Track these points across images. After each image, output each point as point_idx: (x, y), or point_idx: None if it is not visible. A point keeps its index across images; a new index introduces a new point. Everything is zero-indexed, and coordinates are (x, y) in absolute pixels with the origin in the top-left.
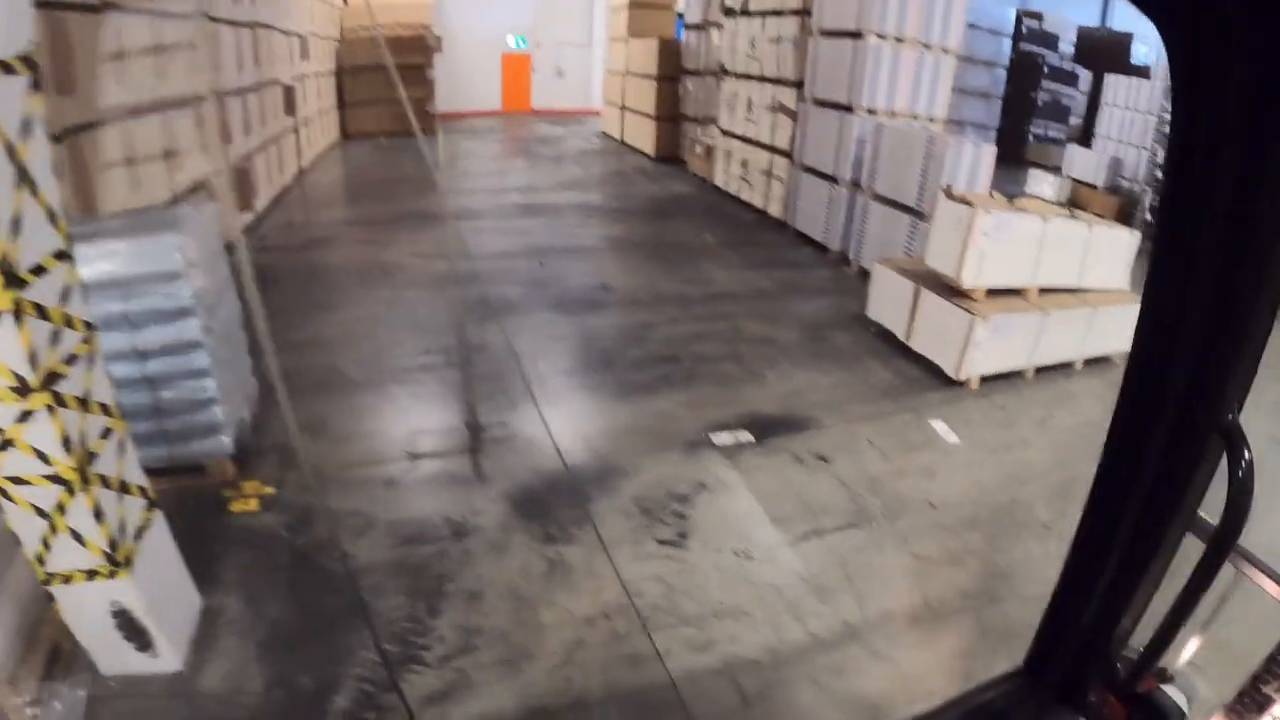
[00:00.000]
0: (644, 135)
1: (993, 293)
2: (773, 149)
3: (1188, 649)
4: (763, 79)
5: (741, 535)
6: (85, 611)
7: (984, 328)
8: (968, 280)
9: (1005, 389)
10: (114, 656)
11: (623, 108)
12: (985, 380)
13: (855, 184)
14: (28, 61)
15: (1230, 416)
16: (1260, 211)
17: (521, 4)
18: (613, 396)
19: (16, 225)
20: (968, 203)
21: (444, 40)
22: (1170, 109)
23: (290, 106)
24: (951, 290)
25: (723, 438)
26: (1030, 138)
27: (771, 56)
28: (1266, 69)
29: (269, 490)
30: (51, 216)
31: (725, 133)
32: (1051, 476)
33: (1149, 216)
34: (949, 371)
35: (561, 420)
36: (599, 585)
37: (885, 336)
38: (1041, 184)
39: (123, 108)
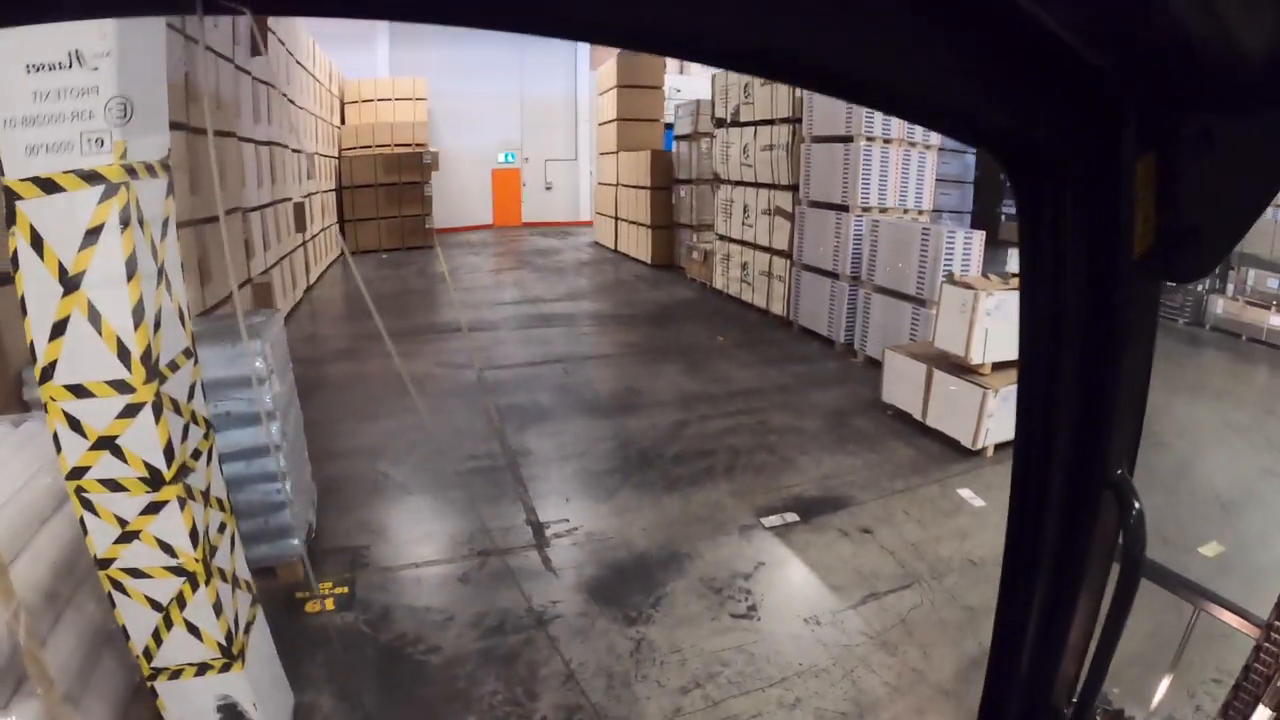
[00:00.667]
0: (639, 244)
1: (998, 366)
2: (771, 250)
3: (1158, 692)
4: (757, 184)
5: (806, 604)
6: (189, 708)
7: (995, 399)
8: (975, 357)
9: None
10: None
11: (616, 218)
12: (1000, 447)
13: (855, 278)
14: (165, 166)
15: (1120, 471)
16: (1109, 296)
17: (510, 121)
18: (660, 490)
19: (157, 322)
20: (970, 286)
21: (441, 158)
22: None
23: (301, 223)
24: (961, 368)
25: (771, 520)
26: (1002, 217)
27: (765, 163)
28: (1088, 191)
29: (342, 590)
30: (181, 315)
31: (723, 238)
32: None
33: None
34: (966, 443)
35: (617, 515)
36: (684, 658)
37: (902, 418)
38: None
39: None
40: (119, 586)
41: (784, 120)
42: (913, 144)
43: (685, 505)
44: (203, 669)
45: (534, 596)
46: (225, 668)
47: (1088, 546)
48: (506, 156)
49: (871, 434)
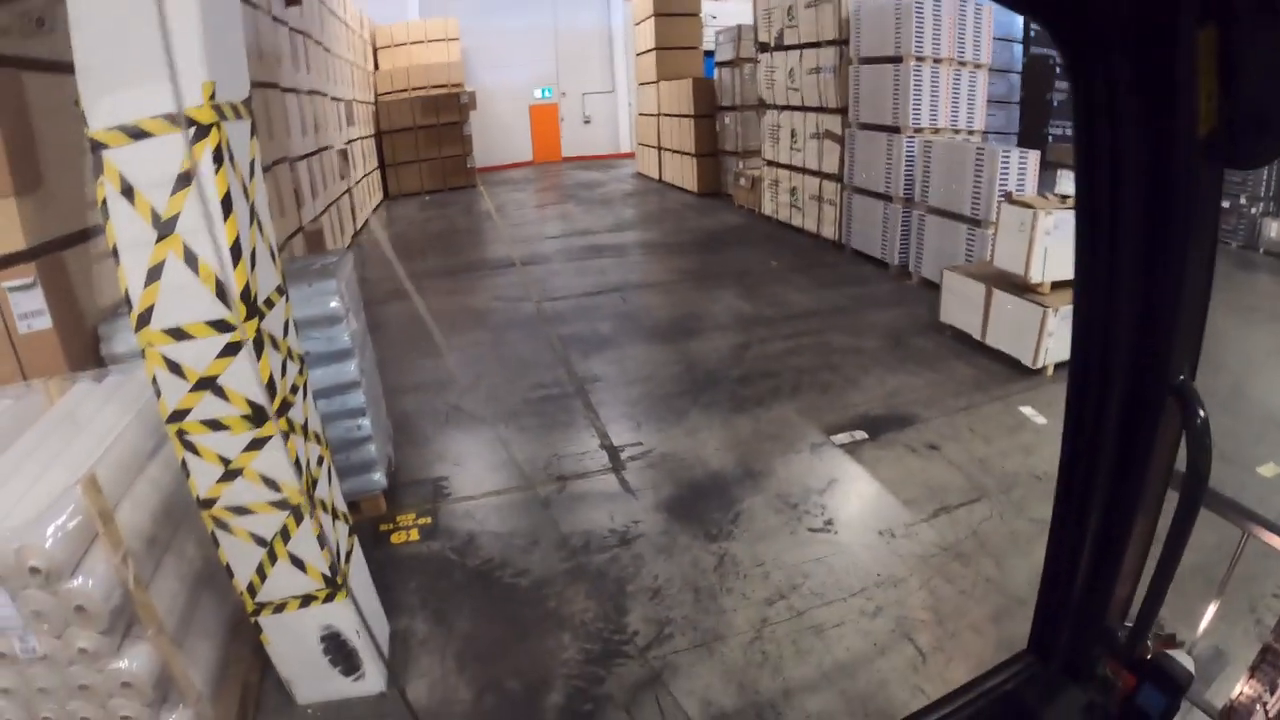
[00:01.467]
0: (685, 173)
1: (1057, 285)
2: (821, 174)
3: (1206, 616)
4: (805, 109)
5: (880, 517)
6: (293, 640)
7: (1055, 317)
8: (1035, 276)
9: None
10: (317, 684)
11: (659, 148)
12: (1059, 366)
13: (908, 200)
14: (250, 107)
15: (1181, 378)
16: (1171, 184)
17: (545, 56)
18: (729, 411)
19: (253, 259)
20: (1029, 205)
21: (482, 97)
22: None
23: (344, 170)
24: (1020, 287)
25: (840, 437)
26: (1049, 138)
27: (813, 86)
28: (1148, 68)
29: (425, 521)
30: (273, 253)
31: (771, 163)
32: None
33: None
34: (1027, 362)
35: (688, 436)
36: (767, 571)
37: (961, 338)
38: (1068, 181)
39: None
40: (223, 525)
41: (830, 43)
42: (963, 63)
43: (755, 425)
44: (307, 600)
45: (615, 517)
46: (329, 598)
47: (1148, 458)
48: (543, 92)
49: (932, 353)
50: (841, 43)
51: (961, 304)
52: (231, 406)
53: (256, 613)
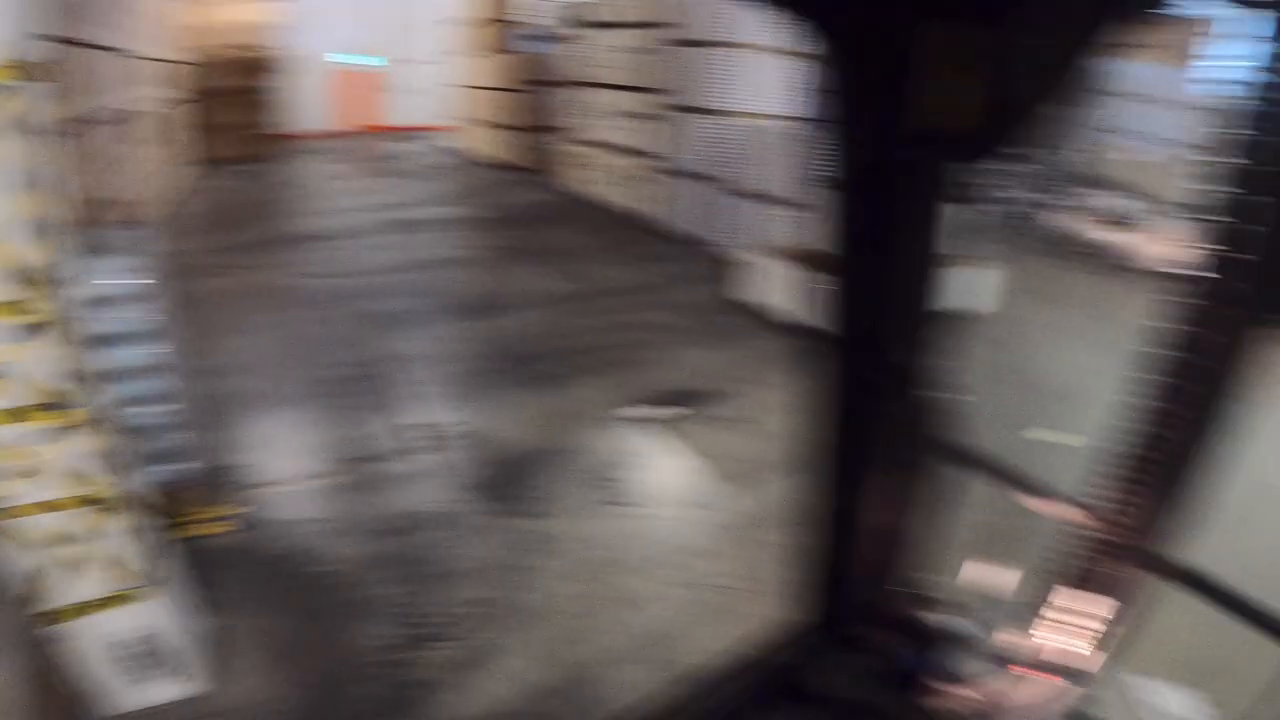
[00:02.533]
0: (501, 147)
1: None
2: (638, 152)
3: (964, 571)
4: (621, 87)
5: (698, 490)
6: (102, 644)
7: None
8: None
9: None
10: (132, 690)
11: (478, 122)
12: None
13: (719, 180)
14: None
15: (911, 355)
16: (885, 164)
17: (369, 22)
18: (537, 388)
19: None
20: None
21: (290, 61)
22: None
23: (140, 134)
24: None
25: (658, 411)
26: None
27: (631, 64)
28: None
29: (239, 509)
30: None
31: (586, 141)
32: None
33: None
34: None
35: (495, 414)
36: (582, 547)
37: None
38: None
39: None
40: (20, 525)
41: (645, 25)
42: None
43: (564, 402)
44: (122, 600)
45: (426, 499)
46: (144, 597)
47: (879, 432)
48: (365, 59)
49: (742, 330)
50: (656, 25)
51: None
52: (25, 395)
53: (56, 620)
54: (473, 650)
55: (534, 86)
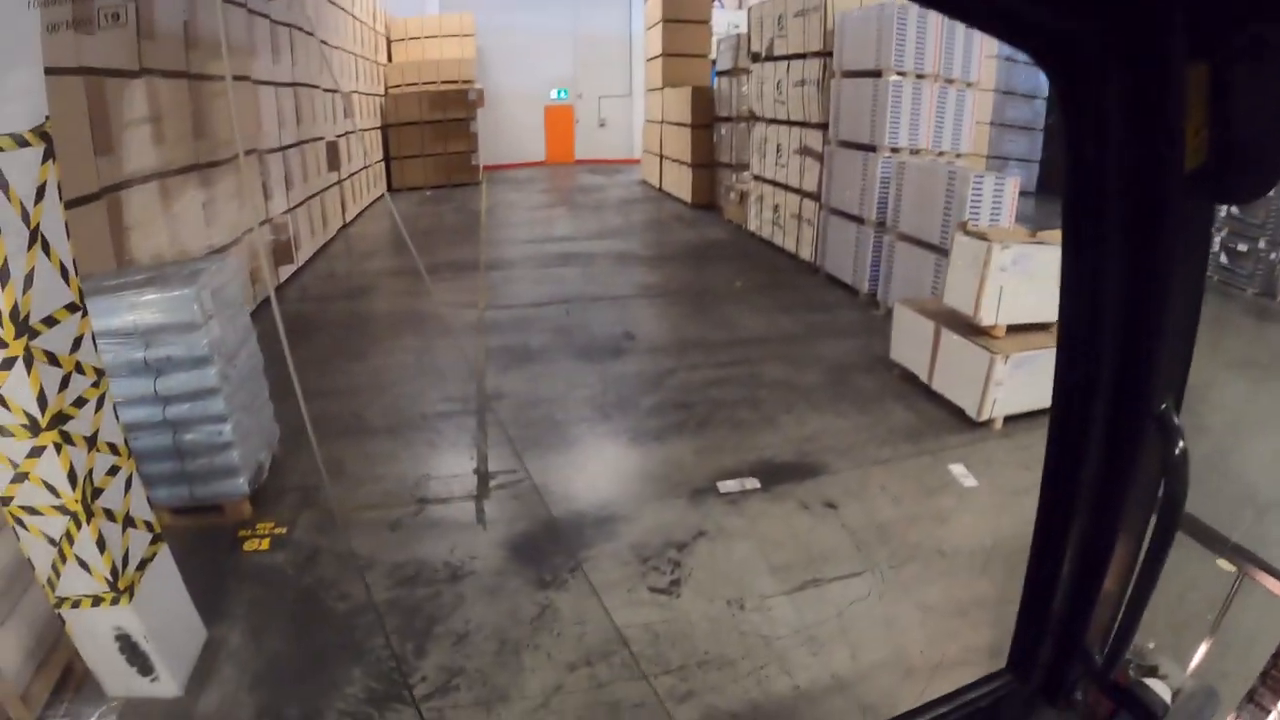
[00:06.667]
0: (681, 183)
1: (1014, 329)
2: (801, 191)
3: (1197, 653)
4: (790, 122)
5: (736, 584)
6: (92, 635)
7: (1004, 365)
8: (986, 317)
9: (1030, 428)
10: (118, 679)
11: (660, 156)
12: (1010, 420)
13: (881, 224)
14: (42, 134)
15: (1164, 406)
16: (1158, 215)
17: (563, 57)
18: (623, 443)
19: (29, 281)
20: (984, 237)
21: (486, 94)
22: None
23: (334, 162)
24: (971, 328)
25: (728, 485)
26: None
27: (797, 100)
28: (1136, 101)
29: (281, 531)
30: (64, 273)
31: (758, 178)
32: None
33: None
34: (970, 412)
35: (567, 468)
36: (584, 631)
37: (908, 378)
38: None
39: (159, 167)
40: (20, 522)
41: (815, 54)
42: (950, 80)
43: (643, 462)
44: (96, 600)
45: (456, 550)
46: (115, 601)
47: (1127, 487)
48: (559, 93)
49: (870, 394)
50: (826, 54)
51: (911, 341)
52: (12, 415)
53: (58, 606)
54: None
55: (713, 121)
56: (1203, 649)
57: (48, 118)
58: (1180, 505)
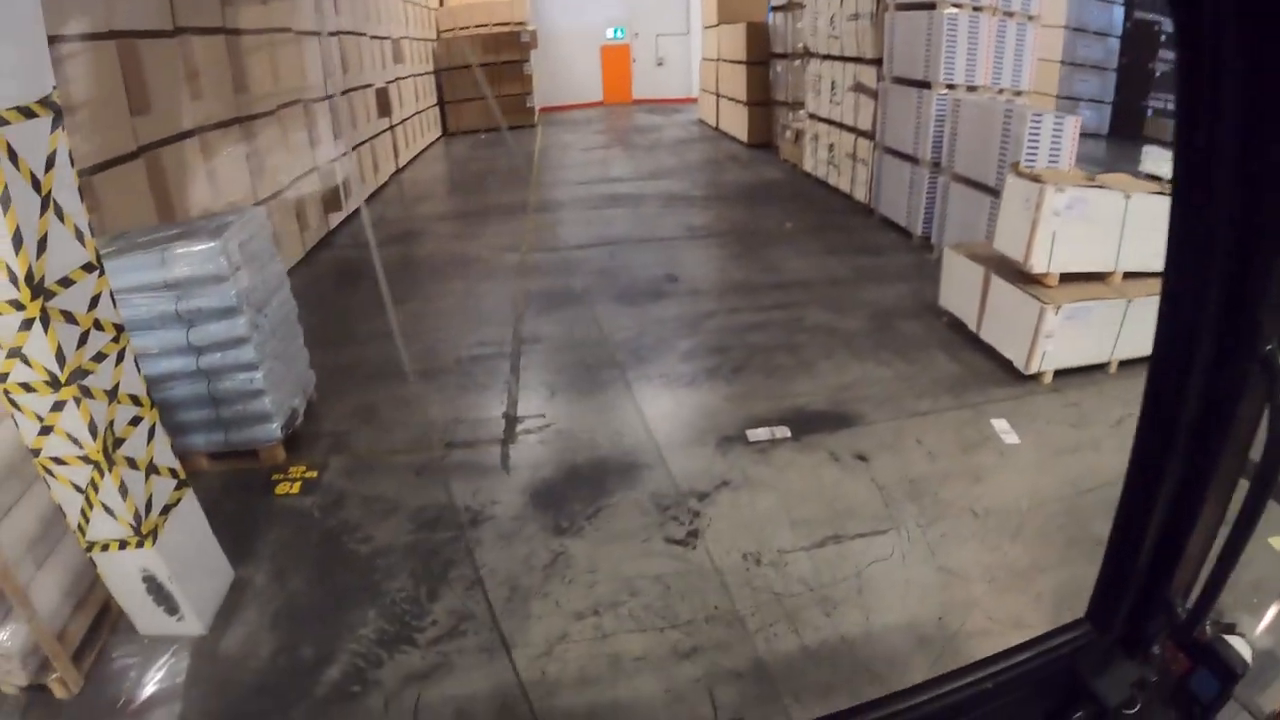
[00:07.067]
0: (737, 121)
1: (1068, 278)
2: (856, 130)
3: (1271, 611)
4: (844, 58)
5: (754, 537)
6: (121, 577)
7: (1055, 316)
8: (1038, 264)
9: (1082, 384)
10: (148, 618)
11: (717, 94)
12: (1060, 374)
13: (936, 164)
14: (49, 104)
15: (1269, 346)
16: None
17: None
18: (655, 388)
19: (43, 245)
20: (1037, 179)
21: (540, 35)
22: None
23: (385, 108)
24: (1022, 276)
25: (758, 433)
26: (1148, 111)
27: (851, 34)
28: (1264, 48)
29: (311, 474)
30: (79, 235)
31: (813, 116)
32: (1119, 485)
33: None
34: (1018, 365)
35: (597, 412)
36: (595, 580)
37: (956, 327)
38: (1159, 160)
39: (200, 122)
40: (49, 472)
41: None
42: (1009, 13)
43: (674, 408)
44: (123, 544)
45: (479, 494)
46: (140, 544)
47: (1227, 432)
48: (616, 32)
49: (915, 342)
50: None
51: (960, 287)
52: (35, 373)
53: (89, 549)
54: (433, 665)
55: (769, 58)
56: (1274, 609)
57: (55, 88)
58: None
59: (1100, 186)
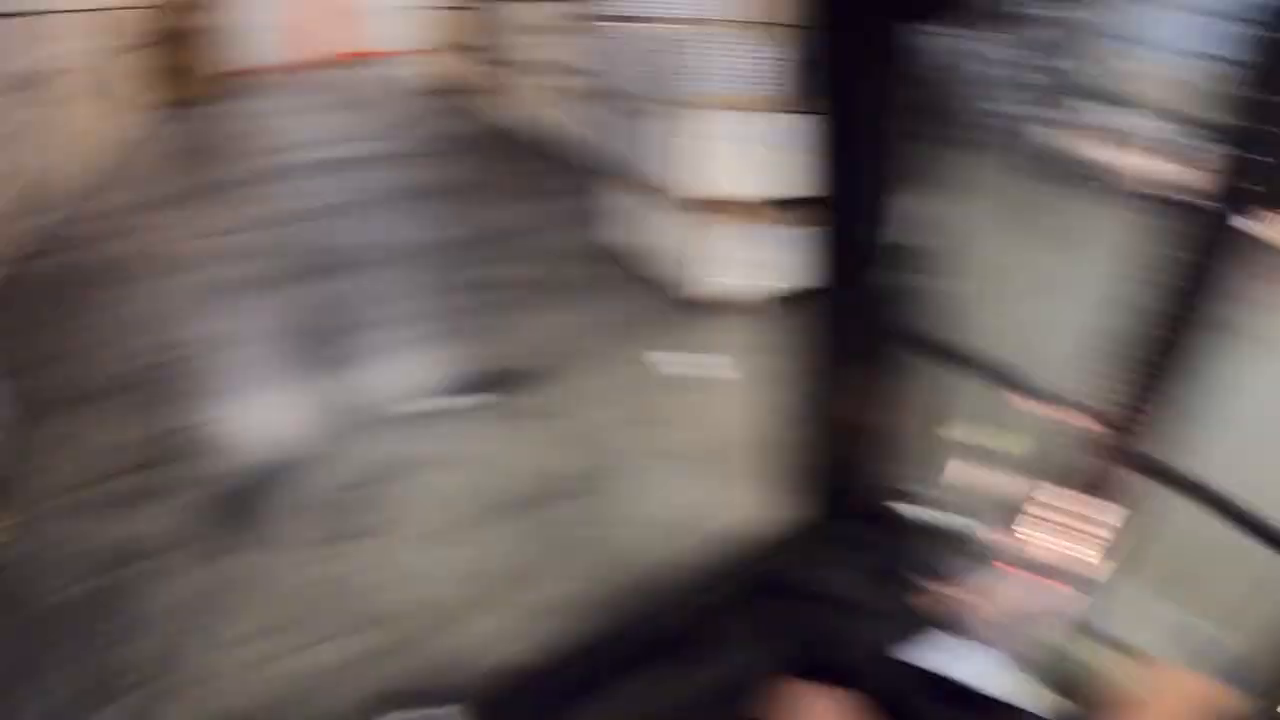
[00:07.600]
0: (446, 71)
1: (720, 203)
2: (558, 69)
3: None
4: None
5: (440, 517)
6: None
7: (707, 242)
8: (685, 190)
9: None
10: None
11: (429, 46)
12: (721, 302)
13: (627, 98)
14: None
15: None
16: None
17: None
18: (323, 373)
19: None
20: (683, 104)
21: None
22: None
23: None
24: (673, 202)
25: (431, 404)
26: None
27: None
28: None
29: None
30: None
31: (517, 61)
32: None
33: None
34: (677, 294)
35: (262, 409)
36: (267, 596)
37: (622, 263)
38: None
39: None
40: None
41: None
42: None
43: (345, 392)
44: None
45: (148, 525)
46: None
47: (859, 319)
48: None
49: (585, 285)
50: None
51: (622, 222)
52: None
53: None
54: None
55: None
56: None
57: None
58: (921, 337)
59: (746, 110)
